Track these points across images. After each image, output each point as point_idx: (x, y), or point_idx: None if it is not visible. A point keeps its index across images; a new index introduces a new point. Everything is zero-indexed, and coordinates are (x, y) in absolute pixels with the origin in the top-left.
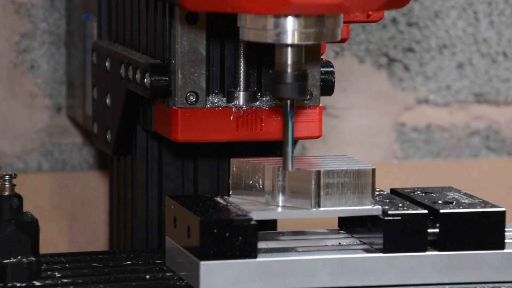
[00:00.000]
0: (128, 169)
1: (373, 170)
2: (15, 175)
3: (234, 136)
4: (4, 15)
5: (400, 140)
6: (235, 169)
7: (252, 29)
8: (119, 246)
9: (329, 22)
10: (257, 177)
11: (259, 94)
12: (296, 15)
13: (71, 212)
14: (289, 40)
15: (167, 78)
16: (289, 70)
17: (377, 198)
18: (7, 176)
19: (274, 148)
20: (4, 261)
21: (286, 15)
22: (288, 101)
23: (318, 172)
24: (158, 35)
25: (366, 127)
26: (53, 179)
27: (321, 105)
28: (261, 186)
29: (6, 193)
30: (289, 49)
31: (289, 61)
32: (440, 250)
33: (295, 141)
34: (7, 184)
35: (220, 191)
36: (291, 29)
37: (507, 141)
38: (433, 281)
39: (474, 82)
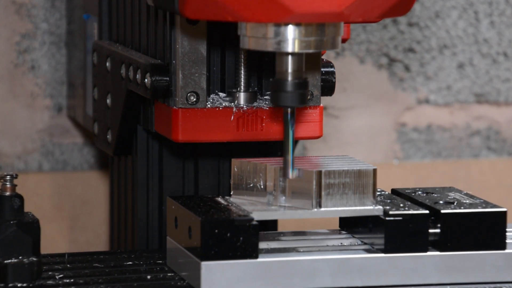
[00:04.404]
0: (129, 169)
1: (374, 171)
2: (16, 175)
3: (234, 136)
4: (5, 15)
5: (401, 140)
6: (236, 170)
7: (252, 37)
8: (119, 246)
9: (330, 30)
10: (258, 177)
11: (259, 94)
12: (297, 24)
13: (72, 212)
14: (289, 49)
15: (168, 78)
16: (289, 78)
17: (378, 199)
18: (8, 177)
19: (275, 148)
20: (5, 262)
21: (286, 24)
22: (289, 109)
23: (319, 173)
24: (158, 35)
25: (367, 127)
26: (53, 179)
27: (321, 105)
28: (262, 187)
29: (7, 193)
30: (290, 57)
31: (290, 69)
32: (441, 251)
33: (295, 141)
34: (8, 184)
35: (221, 191)
36: (291, 38)
37: (507, 141)
38: (434, 281)
39: (474, 82)
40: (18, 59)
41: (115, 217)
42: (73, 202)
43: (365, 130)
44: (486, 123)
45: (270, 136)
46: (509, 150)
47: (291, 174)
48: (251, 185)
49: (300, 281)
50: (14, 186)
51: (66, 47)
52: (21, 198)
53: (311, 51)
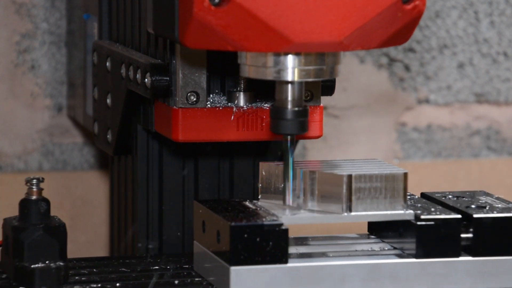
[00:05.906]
0: (129, 169)
1: (405, 174)
2: (43, 179)
3: (234, 136)
4: (5, 15)
5: (401, 140)
6: (264, 173)
7: (252, 66)
8: (119, 246)
9: (329, 59)
10: None
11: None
12: (297, 53)
13: (72, 212)
14: (289, 77)
15: (168, 78)
16: (289, 106)
17: (409, 203)
18: (34, 180)
19: (275, 148)
20: (32, 266)
21: (286, 53)
22: (288, 137)
23: (350, 176)
24: None
25: (367, 127)
26: (53, 179)
27: (321, 105)
28: None
29: (34, 197)
30: (289, 86)
31: (289, 98)
32: (473, 256)
33: (296, 141)
34: (34, 188)
35: (221, 191)
36: (291, 66)
37: (507, 141)
38: (466, 287)
39: (474, 82)
40: (18, 59)
41: (115, 217)
42: (73, 202)
43: (365, 130)
44: (486, 123)
45: (270, 136)
46: (509, 150)
47: (291, 201)
48: (280, 189)
49: (330, 286)
50: (40, 190)
51: (66, 47)
52: (47, 202)
53: (310, 79)
